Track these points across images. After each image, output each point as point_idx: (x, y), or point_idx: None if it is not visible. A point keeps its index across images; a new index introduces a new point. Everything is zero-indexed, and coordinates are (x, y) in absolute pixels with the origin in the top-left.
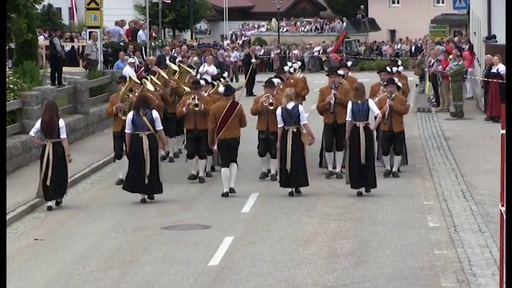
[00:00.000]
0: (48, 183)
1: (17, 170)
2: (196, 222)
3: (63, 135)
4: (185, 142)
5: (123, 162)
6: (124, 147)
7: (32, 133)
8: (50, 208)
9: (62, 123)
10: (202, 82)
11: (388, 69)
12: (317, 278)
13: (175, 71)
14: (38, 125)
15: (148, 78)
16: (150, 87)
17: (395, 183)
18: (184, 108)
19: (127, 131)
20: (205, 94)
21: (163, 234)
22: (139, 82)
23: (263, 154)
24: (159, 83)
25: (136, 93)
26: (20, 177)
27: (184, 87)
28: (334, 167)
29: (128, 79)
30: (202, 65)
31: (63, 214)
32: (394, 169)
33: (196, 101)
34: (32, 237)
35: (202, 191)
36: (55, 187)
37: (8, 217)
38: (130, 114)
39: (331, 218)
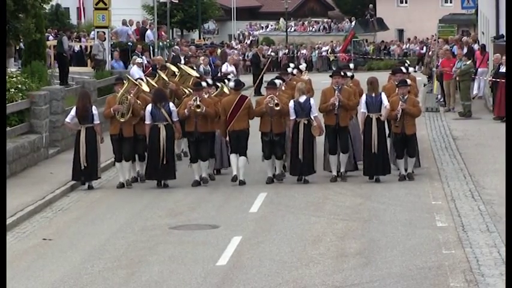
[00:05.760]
0: (82, 166)
1: (25, 170)
2: (204, 222)
3: (96, 121)
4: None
5: (122, 165)
6: (123, 149)
7: (67, 119)
8: (89, 187)
9: (95, 110)
10: (203, 84)
11: (404, 69)
12: (325, 278)
13: (174, 73)
14: (73, 112)
15: (144, 79)
16: (145, 88)
17: (404, 183)
18: (186, 110)
19: (147, 122)
20: (206, 96)
21: (172, 234)
22: (136, 84)
23: (268, 157)
24: (156, 86)
25: (132, 95)
26: (28, 177)
27: (185, 90)
28: (339, 170)
29: (126, 81)
30: (226, 65)
31: (71, 214)
32: (409, 170)
33: (198, 102)
34: (40, 237)
35: (210, 190)
36: (88, 169)
37: (16, 217)
38: (149, 107)
39: (340, 218)
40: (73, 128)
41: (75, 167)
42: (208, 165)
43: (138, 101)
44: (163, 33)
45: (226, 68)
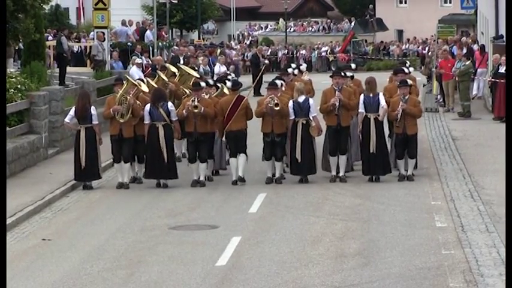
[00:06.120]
0: (82, 166)
1: (24, 170)
2: (203, 222)
3: (95, 121)
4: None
5: (121, 166)
6: (123, 150)
7: (66, 119)
8: (85, 187)
9: (94, 110)
10: (202, 84)
11: (406, 70)
12: (324, 278)
13: (174, 73)
14: (72, 112)
15: (145, 80)
16: (144, 88)
17: (403, 183)
18: (184, 111)
19: (146, 121)
20: (207, 96)
21: (171, 235)
22: (135, 84)
23: (269, 158)
24: (156, 86)
25: (131, 95)
26: (27, 177)
27: (185, 90)
28: (338, 171)
29: (125, 81)
30: (218, 66)
31: (70, 214)
32: (409, 172)
33: (196, 103)
34: (40, 238)
35: (209, 191)
36: (89, 169)
37: (15, 217)
38: (147, 107)
39: (339, 218)
40: (72, 128)
41: (76, 167)
42: (207, 167)
43: (138, 101)
44: (164, 33)
45: (219, 69)
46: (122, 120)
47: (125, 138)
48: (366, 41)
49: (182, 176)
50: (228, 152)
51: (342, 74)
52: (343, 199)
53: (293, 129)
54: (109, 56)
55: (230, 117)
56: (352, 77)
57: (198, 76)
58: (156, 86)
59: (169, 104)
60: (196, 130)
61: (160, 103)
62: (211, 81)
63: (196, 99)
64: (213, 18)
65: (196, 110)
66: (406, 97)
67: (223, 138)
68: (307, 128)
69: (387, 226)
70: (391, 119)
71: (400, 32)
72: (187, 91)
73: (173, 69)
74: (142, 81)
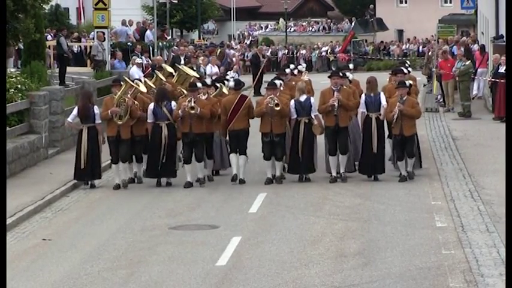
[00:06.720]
0: (83, 165)
1: (24, 170)
2: (203, 222)
3: (98, 120)
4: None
5: (119, 167)
6: (120, 150)
7: (69, 119)
8: (90, 186)
9: (96, 109)
10: (199, 84)
11: (405, 70)
12: (324, 278)
13: (171, 73)
14: (75, 111)
15: (142, 80)
16: (143, 89)
17: (403, 183)
18: (180, 111)
19: (149, 120)
20: (204, 97)
21: (171, 234)
22: (133, 85)
23: (268, 158)
24: (154, 86)
25: (129, 95)
26: (27, 177)
27: (183, 90)
28: (338, 172)
29: (124, 82)
30: (210, 67)
31: (70, 214)
32: (409, 169)
33: (192, 104)
34: (40, 237)
35: (209, 191)
36: (90, 169)
37: (15, 217)
38: (151, 106)
39: (339, 218)
40: (74, 128)
41: (77, 166)
42: (205, 166)
43: (136, 102)
44: (165, 35)
45: (211, 69)
46: (120, 122)
47: (123, 140)
48: (366, 41)
49: (182, 176)
50: (228, 151)
51: (340, 74)
52: (343, 199)
53: (295, 129)
54: (109, 56)
55: (233, 117)
56: (349, 80)
57: (198, 76)
58: (153, 86)
59: (173, 103)
60: (192, 131)
61: (164, 102)
62: (208, 81)
63: (192, 100)
64: (213, 18)
65: (193, 111)
66: (404, 98)
67: (227, 138)
68: (310, 127)
69: (387, 226)
70: (388, 120)
71: (400, 32)
72: (185, 91)
73: (169, 69)
74: (141, 81)
